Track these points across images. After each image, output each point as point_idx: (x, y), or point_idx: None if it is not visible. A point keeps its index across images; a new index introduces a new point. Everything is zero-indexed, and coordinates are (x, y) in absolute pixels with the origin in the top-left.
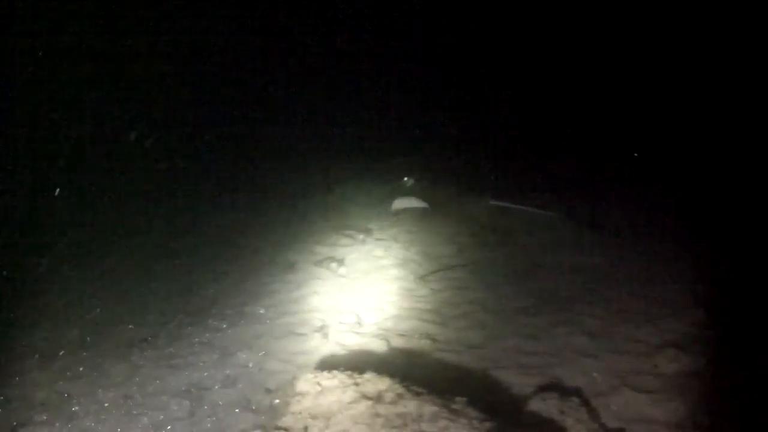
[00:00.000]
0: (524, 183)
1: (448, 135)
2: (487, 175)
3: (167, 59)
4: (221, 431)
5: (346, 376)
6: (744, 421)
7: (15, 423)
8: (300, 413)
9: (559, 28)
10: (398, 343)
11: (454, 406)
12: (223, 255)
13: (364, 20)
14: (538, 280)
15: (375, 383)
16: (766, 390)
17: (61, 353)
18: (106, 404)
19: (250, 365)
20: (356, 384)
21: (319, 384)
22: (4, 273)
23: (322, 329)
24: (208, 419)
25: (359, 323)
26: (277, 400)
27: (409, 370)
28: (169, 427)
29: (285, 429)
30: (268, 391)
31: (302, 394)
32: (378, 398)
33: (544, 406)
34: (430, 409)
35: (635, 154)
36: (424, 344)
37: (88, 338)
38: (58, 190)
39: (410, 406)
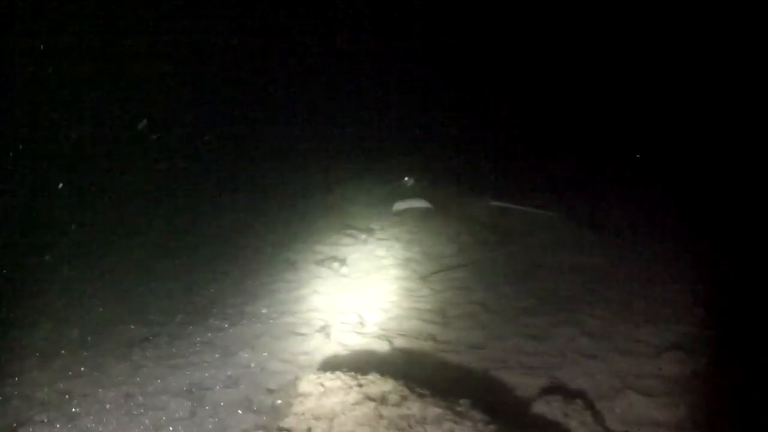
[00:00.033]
0: (524, 183)
1: (448, 135)
2: (487, 175)
3: (167, 59)
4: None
5: (349, 377)
6: (744, 421)
7: (15, 423)
8: (303, 414)
9: (559, 28)
10: (400, 343)
11: (459, 408)
12: (224, 255)
13: (364, 20)
14: (539, 280)
15: (378, 384)
16: (766, 390)
17: (61, 353)
18: (106, 404)
19: (252, 365)
20: (359, 385)
21: (321, 385)
22: (4, 273)
23: (324, 329)
24: (210, 419)
25: (361, 323)
26: (280, 401)
27: (412, 370)
28: (170, 428)
29: (287, 430)
30: (270, 391)
31: (305, 395)
32: (382, 400)
33: (548, 408)
34: (434, 411)
35: (637, 156)
36: (426, 345)
37: (89, 338)
38: (60, 185)
39: (414, 407)
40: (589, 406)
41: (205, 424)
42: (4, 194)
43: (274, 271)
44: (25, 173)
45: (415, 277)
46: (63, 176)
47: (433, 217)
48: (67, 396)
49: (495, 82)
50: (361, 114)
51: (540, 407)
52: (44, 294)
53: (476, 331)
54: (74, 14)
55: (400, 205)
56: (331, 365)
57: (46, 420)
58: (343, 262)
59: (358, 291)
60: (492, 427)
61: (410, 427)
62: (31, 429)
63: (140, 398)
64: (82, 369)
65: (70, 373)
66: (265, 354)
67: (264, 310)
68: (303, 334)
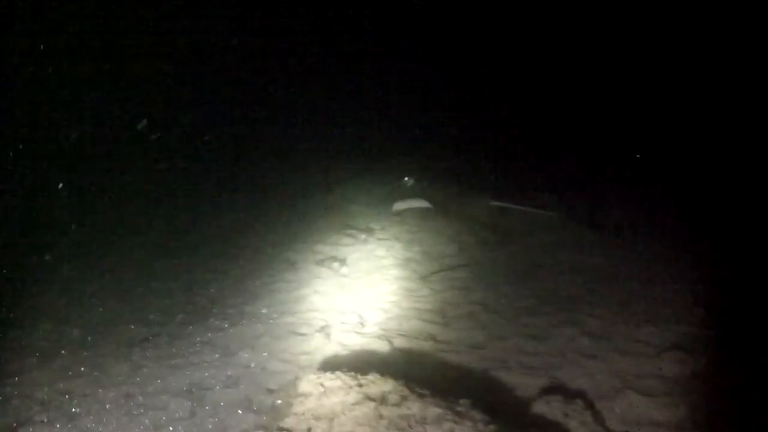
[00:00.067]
0: (524, 183)
1: (448, 135)
2: (487, 175)
3: (167, 59)
4: None
5: (349, 377)
6: (744, 421)
7: (15, 423)
8: (303, 414)
9: (559, 28)
10: (401, 343)
11: (459, 408)
12: (224, 255)
13: (364, 20)
14: (539, 280)
15: (378, 384)
16: (766, 390)
17: (61, 353)
18: (106, 404)
19: (252, 365)
20: (360, 385)
21: (322, 385)
22: (4, 273)
23: (324, 329)
24: (210, 420)
25: (361, 323)
26: (280, 401)
27: (412, 370)
28: (170, 428)
29: (287, 430)
30: (271, 391)
31: (305, 395)
32: (382, 400)
33: (549, 408)
34: (434, 411)
35: (638, 156)
36: (426, 345)
37: (89, 338)
38: (61, 184)
39: (414, 407)
40: (589, 406)
41: (205, 424)
42: (4, 194)
43: (274, 271)
44: (25, 173)
45: (416, 277)
46: (63, 176)
47: (433, 217)
48: (67, 396)
49: (495, 82)
50: (361, 114)
51: (540, 407)
52: (44, 294)
53: (476, 331)
54: (74, 14)
55: (400, 206)
56: (331, 365)
57: (46, 420)
58: (343, 262)
59: (358, 291)
60: (492, 427)
61: (410, 427)
62: (31, 429)
63: (140, 398)
64: (82, 369)
65: (70, 373)
66: (266, 354)
67: (264, 310)
68: (303, 334)
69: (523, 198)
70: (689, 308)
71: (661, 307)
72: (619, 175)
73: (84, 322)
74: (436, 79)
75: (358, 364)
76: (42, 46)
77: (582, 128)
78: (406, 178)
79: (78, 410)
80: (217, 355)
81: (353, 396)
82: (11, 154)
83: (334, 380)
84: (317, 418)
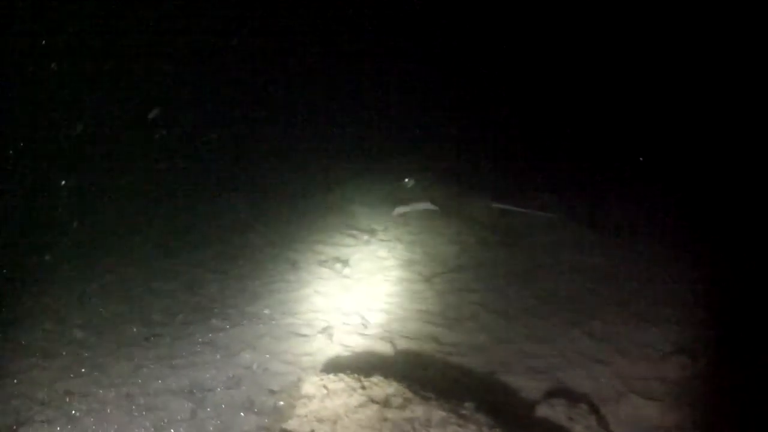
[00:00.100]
0: (524, 183)
1: (448, 135)
2: (487, 175)
3: (167, 59)
4: None
5: (352, 379)
6: (744, 421)
7: (15, 423)
8: (305, 416)
9: (559, 28)
10: (404, 345)
11: (463, 411)
12: (224, 254)
13: (364, 20)
14: (540, 280)
15: (382, 387)
16: (766, 390)
17: (61, 353)
18: (107, 404)
19: (254, 366)
20: (363, 387)
21: (325, 387)
22: (4, 273)
23: (326, 330)
24: (211, 421)
25: (364, 325)
26: (282, 403)
27: (416, 372)
28: (171, 429)
29: None
30: (273, 393)
31: (308, 397)
32: (385, 402)
33: (553, 412)
34: (438, 414)
35: (640, 159)
36: (429, 346)
37: (89, 338)
38: (63, 182)
39: (418, 410)
40: (594, 410)
41: (206, 425)
42: (4, 194)
43: (275, 271)
44: (25, 173)
45: (418, 278)
46: (63, 176)
47: (434, 218)
48: (67, 396)
49: (495, 82)
50: (361, 114)
51: (544, 410)
52: (44, 294)
53: (479, 332)
54: (74, 14)
55: (401, 209)
56: (333, 367)
57: (46, 420)
58: (345, 262)
59: (361, 292)
60: (497, 430)
61: (414, 430)
62: (31, 429)
63: (141, 399)
64: (83, 369)
65: (71, 373)
66: (267, 355)
67: (266, 311)
68: (305, 335)
69: (524, 198)
70: (689, 308)
71: (661, 308)
72: (619, 175)
73: (84, 322)
74: (436, 79)
75: (361, 366)
76: (42, 46)
77: (582, 128)
78: (407, 179)
79: (78, 410)
80: (218, 356)
81: (356, 398)
82: (11, 154)
83: (337, 382)
84: (320, 421)
